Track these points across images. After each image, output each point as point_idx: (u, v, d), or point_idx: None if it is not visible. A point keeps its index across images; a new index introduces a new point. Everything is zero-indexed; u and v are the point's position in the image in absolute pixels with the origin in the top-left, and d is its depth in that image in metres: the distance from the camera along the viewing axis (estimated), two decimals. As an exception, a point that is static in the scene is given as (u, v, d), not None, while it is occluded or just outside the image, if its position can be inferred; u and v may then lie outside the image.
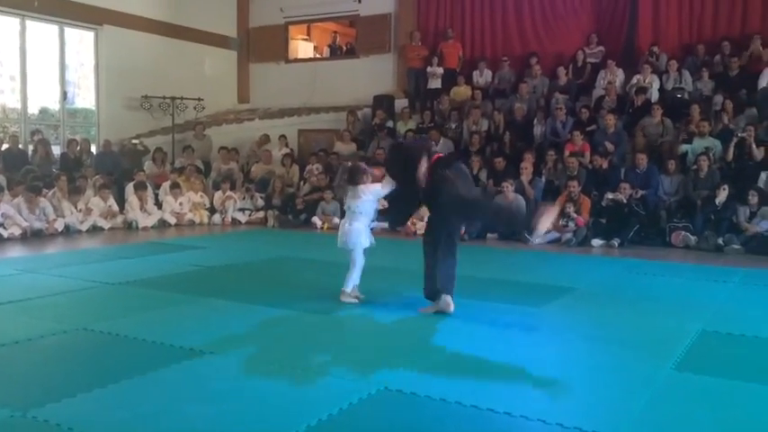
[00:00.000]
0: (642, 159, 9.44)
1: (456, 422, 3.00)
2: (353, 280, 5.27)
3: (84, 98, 13.76)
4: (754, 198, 8.49)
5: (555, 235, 9.03)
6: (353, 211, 5.22)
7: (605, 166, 9.62)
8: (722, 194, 8.64)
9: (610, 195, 9.08)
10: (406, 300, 5.38)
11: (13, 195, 9.21)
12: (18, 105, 12.39)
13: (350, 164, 6.07)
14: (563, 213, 8.97)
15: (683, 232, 8.64)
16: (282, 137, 13.09)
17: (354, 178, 5.22)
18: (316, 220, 10.66)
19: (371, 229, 5.41)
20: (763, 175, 8.96)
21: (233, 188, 11.66)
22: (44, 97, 13.01)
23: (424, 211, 5.95)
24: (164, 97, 13.42)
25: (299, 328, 4.53)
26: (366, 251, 5.28)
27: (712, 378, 3.60)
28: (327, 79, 14.57)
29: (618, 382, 3.53)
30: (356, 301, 5.25)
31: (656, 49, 11.59)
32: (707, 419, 3.06)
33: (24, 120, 12.37)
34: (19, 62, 12.07)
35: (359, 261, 5.24)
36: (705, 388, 3.46)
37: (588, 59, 12.09)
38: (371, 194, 5.18)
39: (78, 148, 12.01)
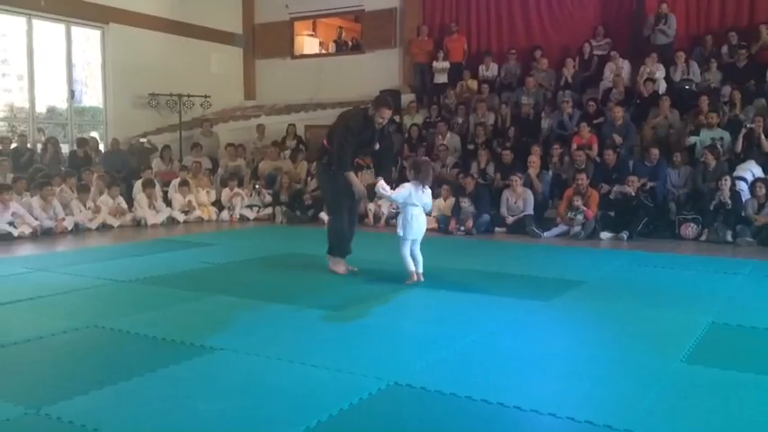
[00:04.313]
0: (654, 154, 9.38)
1: (466, 417, 3.00)
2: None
3: (92, 96, 13.82)
4: (761, 190, 8.43)
5: (563, 228, 9.02)
6: (421, 206, 5.76)
7: (613, 159, 9.56)
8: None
9: (618, 188, 9.04)
10: (409, 295, 5.40)
11: (18, 192, 9.24)
12: (26, 105, 12.44)
13: (423, 159, 6.60)
14: (571, 206, 8.95)
15: (692, 224, 8.60)
16: (291, 126, 13.15)
17: (427, 178, 5.74)
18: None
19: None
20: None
21: (240, 185, 11.69)
22: (52, 96, 13.07)
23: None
24: (171, 94, 13.46)
25: (309, 325, 4.53)
26: None
27: (723, 371, 3.58)
28: (333, 75, 14.57)
29: (628, 376, 3.52)
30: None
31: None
32: (718, 412, 3.05)
33: (32, 119, 12.43)
34: (26, 61, 12.13)
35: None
36: (716, 381, 3.45)
37: (595, 52, 12.03)
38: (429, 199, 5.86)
39: (88, 146, 12.06)
